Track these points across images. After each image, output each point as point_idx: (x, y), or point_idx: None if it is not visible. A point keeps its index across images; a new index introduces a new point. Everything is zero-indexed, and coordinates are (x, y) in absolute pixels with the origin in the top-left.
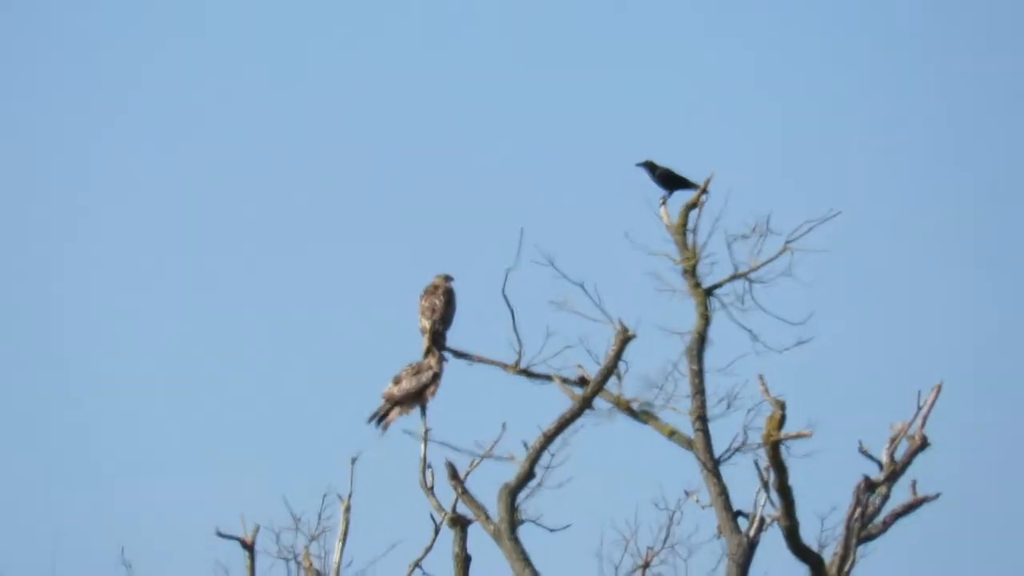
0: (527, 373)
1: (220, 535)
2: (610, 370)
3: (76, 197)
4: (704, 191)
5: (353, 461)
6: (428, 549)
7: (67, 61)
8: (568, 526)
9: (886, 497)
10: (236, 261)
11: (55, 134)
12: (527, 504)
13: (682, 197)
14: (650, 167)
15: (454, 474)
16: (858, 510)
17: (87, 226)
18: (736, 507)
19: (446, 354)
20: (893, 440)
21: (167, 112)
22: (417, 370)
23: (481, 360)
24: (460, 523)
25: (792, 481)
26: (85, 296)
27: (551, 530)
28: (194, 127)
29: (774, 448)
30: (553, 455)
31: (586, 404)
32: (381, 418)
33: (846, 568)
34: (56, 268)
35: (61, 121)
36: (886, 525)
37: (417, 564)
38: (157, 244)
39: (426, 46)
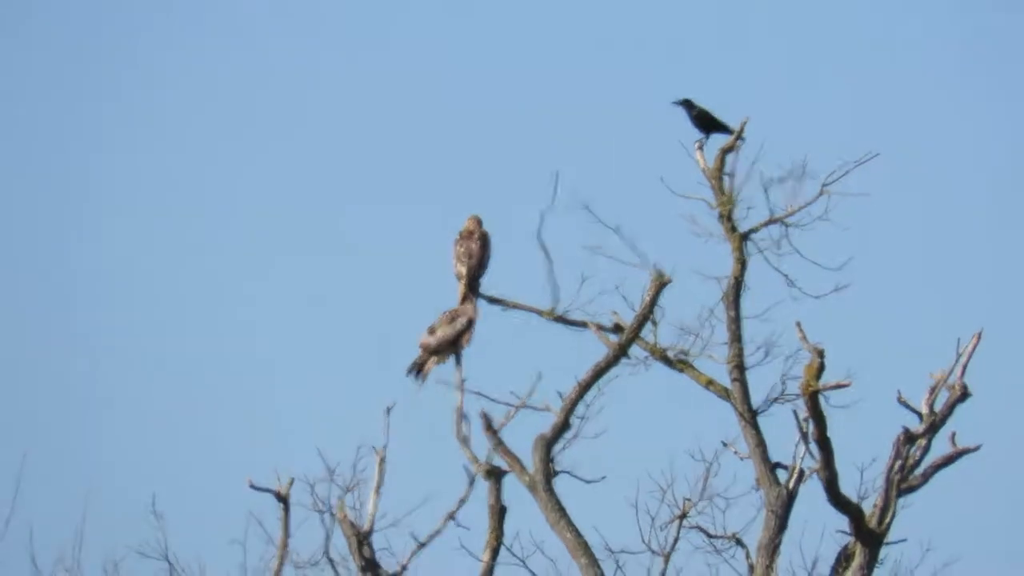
0: (563, 320)
1: (253, 487)
2: (646, 316)
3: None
4: (740, 136)
5: (388, 411)
6: (463, 501)
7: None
8: (604, 477)
9: (926, 449)
10: (267, 211)
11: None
12: (562, 455)
13: (718, 142)
14: (687, 105)
15: (489, 425)
16: (898, 463)
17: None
18: (775, 458)
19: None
20: (933, 390)
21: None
22: (452, 317)
23: (516, 306)
24: (495, 474)
25: (831, 432)
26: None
27: (586, 481)
28: (208, 85)
29: (813, 398)
30: (588, 405)
31: (622, 352)
32: (419, 369)
33: (886, 520)
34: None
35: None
36: (926, 477)
37: (451, 516)
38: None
39: None
